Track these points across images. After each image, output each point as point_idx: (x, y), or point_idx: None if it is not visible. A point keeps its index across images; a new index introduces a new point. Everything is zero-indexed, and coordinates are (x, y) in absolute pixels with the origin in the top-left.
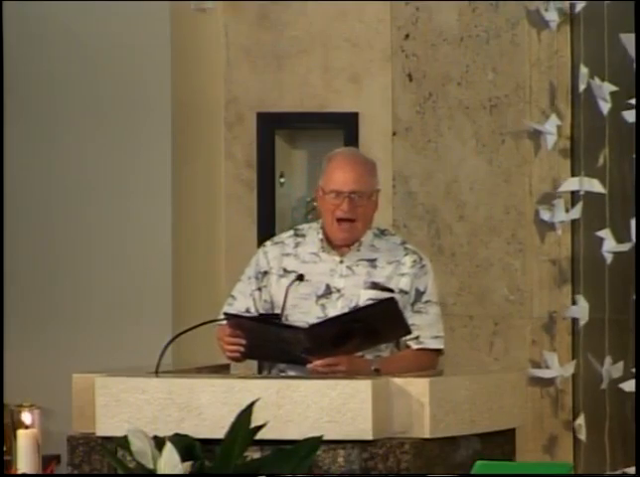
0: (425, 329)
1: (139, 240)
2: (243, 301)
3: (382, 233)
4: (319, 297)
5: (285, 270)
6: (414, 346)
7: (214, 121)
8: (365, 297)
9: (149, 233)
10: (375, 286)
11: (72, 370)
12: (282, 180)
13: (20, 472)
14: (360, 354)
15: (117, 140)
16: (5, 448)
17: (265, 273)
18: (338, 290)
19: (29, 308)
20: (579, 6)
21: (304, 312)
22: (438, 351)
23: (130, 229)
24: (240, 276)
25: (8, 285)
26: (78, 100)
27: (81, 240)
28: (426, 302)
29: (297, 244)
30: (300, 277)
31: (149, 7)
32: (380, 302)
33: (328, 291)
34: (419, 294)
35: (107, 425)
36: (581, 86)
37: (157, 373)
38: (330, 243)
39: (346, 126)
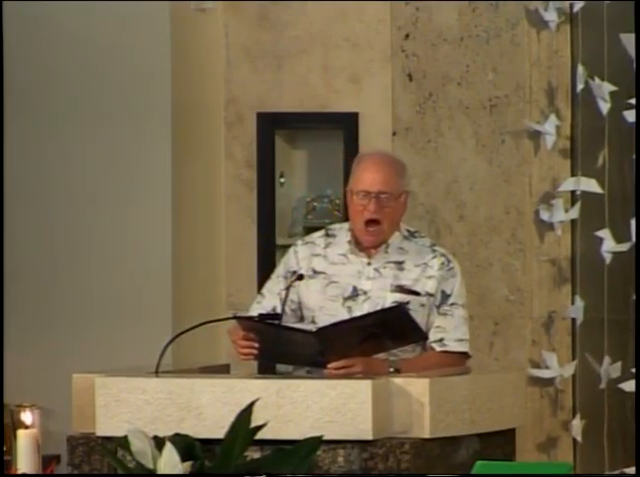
0: (450, 332)
1: (139, 241)
2: (271, 300)
3: (411, 234)
4: (346, 299)
5: (315, 271)
6: (438, 348)
7: (214, 121)
8: (390, 300)
9: (149, 233)
10: (400, 289)
11: (72, 370)
12: (282, 180)
13: (20, 472)
14: (384, 356)
15: (117, 140)
16: (5, 448)
17: (295, 273)
18: (365, 292)
19: (29, 308)
20: (579, 6)
21: (331, 314)
22: (463, 354)
23: (130, 229)
24: (270, 274)
25: (8, 285)
26: (77, 100)
27: (82, 241)
28: (452, 305)
29: (327, 245)
30: (300, 277)
31: (149, 7)
32: (386, 310)
33: (355, 293)
34: (445, 297)
35: (107, 425)
36: (581, 86)
37: (157, 373)
38: (358, 245)
39: (346, 126)
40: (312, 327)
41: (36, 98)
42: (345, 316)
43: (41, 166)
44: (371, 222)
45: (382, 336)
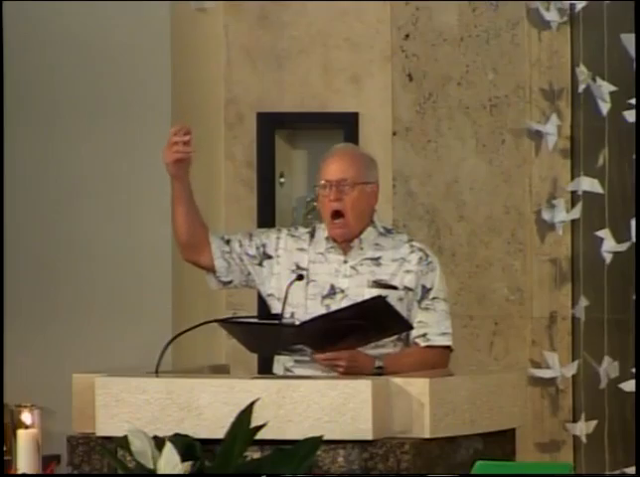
0: (433, 326)
1: (139, 241)
2: (235, 241)
3: (388, 231)
4: (324, 297)
5: (298, 267)
6: (422, 343)
7: (214, 121)
8: (368, 296)
9: (149, 232)
10: (378, 284)
11: (72, 370)
12: (282, 180)
13: (20, 472)
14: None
15: (117, 140)
16: (5, 448)
17: (269, 257)
18: (342, 290)
19: (29, 308)
20: (579, 6)
21: (310, 312)
22: (447, 348)
23: (130, 229)
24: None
25: (8, 285)
26: (78, 100)
27: (81, 241)
28: (433, 299)
29: (311, 243)
30: (300, 277)
31: (149, 7)
32: (366, 301)
33: (332, 291)
34: (426, 291)
35: (107, 425)
36: (581, 87)
37: (157, 373)
38: (334, 242)
39: (346, 126)
40: (295, 322)
41: (36, 98)
42: None
43: (41, 165)
44: (335, 214)
45: (366, 328)
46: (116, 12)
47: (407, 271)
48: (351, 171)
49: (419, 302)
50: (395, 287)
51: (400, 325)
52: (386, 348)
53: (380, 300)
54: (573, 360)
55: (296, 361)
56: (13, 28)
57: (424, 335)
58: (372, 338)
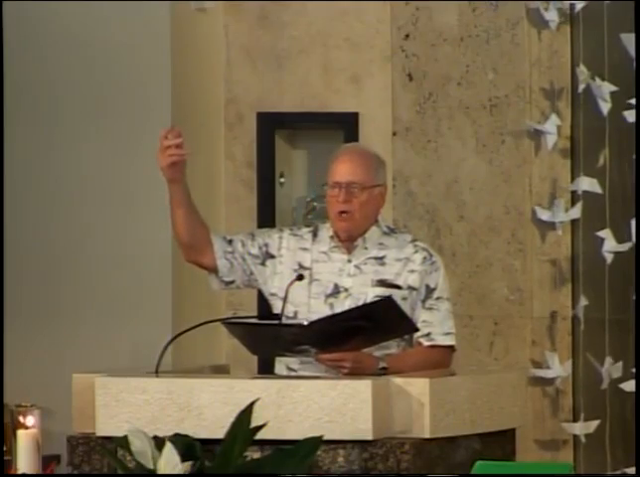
0: (437, 326)
1: (139, 241)
2: (236, 242)
3: (392, 231)
4: (327, 296)
5: (301, 266)
6: (426, 343)
7: (214, 121)
8: (372, 295)
9: (149, 233)
10: (382, 284)
11: (72, 370)
12: (282, 180)
13: (20, 472)
14: (369, 351)
15: (117, 140)
16: (5, 448)
17: (272, 257)
18: (346, 290)
19: (29, 308)
20: (579, 6)
21: (313, 311)
22: (450, 347)
23: (130, 229)
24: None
25: (8, 285)
26: (77, 100)
27: (82, 241)
28: (437, 299)
29: (313, 242)
30: (300, 277)
31: (149, 7)
32: (375, 302)
33: (336, 290)
34: (430, 291)
35: (107, 425)
36: (581, 86)
37: (157, 373)
38: (339, 240)
39: (346, 126)
40: (303, 322)
41: (36, 98)
42: (327, 313)
43: (41, 165)
44: (342, 212)
45: (372, 329)
46: (116, 12)
47: (412, 271)
48: (360, 174)
49: (423, 302)
50: (399, 287)
51: (406, 327)
52: (389, 348)
53: (388, 301)
54: (574, 360)
55: (302, 362)
56: (13, 28)
57: (428, 334)
58: (377, 339)
